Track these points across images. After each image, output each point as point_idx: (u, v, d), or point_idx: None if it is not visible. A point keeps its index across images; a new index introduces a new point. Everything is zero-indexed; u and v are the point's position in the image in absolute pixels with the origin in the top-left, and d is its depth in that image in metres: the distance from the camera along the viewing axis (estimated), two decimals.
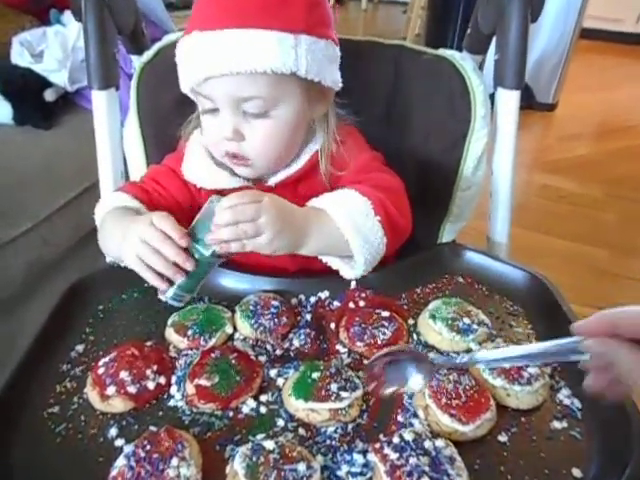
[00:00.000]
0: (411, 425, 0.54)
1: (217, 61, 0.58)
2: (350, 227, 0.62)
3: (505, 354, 0.52)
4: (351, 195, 0.65)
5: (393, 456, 0.48)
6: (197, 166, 0.72)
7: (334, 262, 0.68)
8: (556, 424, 0.54)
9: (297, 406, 0.55)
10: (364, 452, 0.51)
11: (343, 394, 0.54)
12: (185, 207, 0.72)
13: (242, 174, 0.69)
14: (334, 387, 0.55)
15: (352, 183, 0.67)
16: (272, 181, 0.71)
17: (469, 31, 0.88)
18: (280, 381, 0.59)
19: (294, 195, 0.68)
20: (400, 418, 0.55)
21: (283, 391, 0.58)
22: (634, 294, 1.69)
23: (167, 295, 0.60)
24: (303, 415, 0.54)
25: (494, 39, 0.81)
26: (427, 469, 0.46)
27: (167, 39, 0.85)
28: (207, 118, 0.66)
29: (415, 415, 0.55)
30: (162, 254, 0.58)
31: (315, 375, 0.56)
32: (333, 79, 0.65)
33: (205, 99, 0.64)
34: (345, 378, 0.56)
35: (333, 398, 0.54)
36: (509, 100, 0.80)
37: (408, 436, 0.50)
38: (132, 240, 0.59)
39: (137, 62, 0.86)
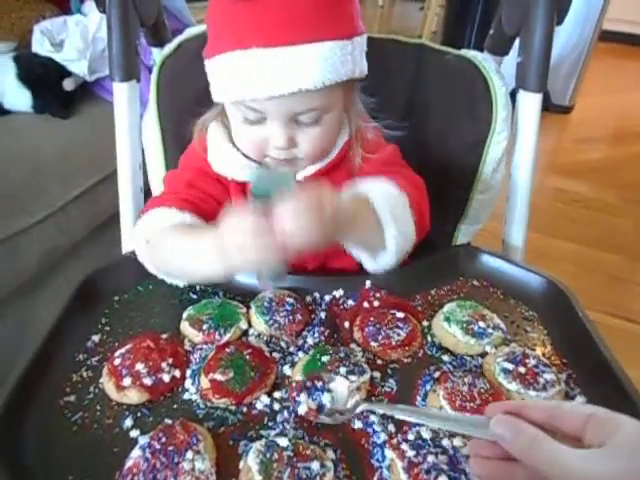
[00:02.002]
0: (422, 425, 0.54)
1: (283, 80, 0.56)
2: (389, 217, 0.63)
3: (424, 411, 0.53)
4: (389, 186, 0.65)
5: (410, 453, 0.49)
6: (226, 159, 0.70)
7: (359, 254, 0.68)
8: None
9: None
10: (381, 447, 0.51)
11: (351, 377, 0.55)
12: (224, 204, 0.71)
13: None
14: (343, 371, 0.56)
15: (377, 174, 0.67)
16: (301, 175, 0.70)
17: (491, 32, 0.87)
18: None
19: None
20: None
21: (293, 374, 0.58)
22: None
23: (275, 278, 0.57)
24: None
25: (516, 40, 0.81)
26: (445, 467, 0.47)
27: (188, 32, 0.85)
28: (248, 128, 0.64)
29: None
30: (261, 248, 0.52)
31: (325, 359, 0.58)
32: (363, 69, 0.65)
33: (251, 111, 0.61)
34: (354, 362, 0.58)
35: None
36: (531, 103, 0.79)
37: (426, 434, 0.50)
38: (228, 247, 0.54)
39: (158, 55, 0.87)
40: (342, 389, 0.54)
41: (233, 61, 0.58)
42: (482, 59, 0.80)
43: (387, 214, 0.63)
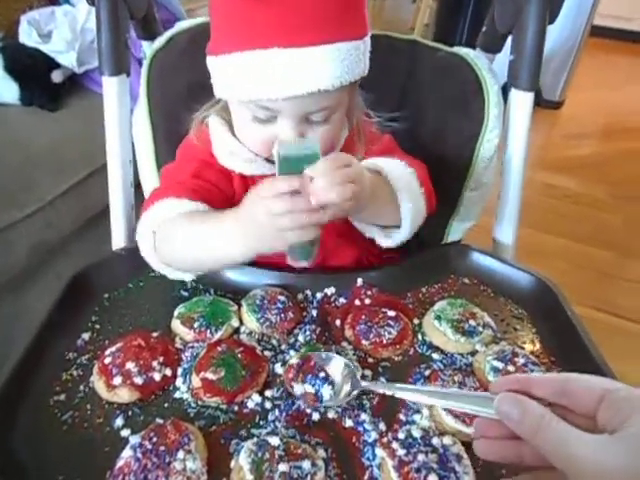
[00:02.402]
0: (413, 422, 0.54)
1: (302, 80, 0.56)
2: (404, 190, 0.64)
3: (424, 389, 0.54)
4: (398, 162, 0.68)
5: (401, 452, 0.49)
6: (230, 153, 0.69)
7: (372, 230, 0.69)
8: None
9: (297, 388, 0.56)
10: (372, 446, 0.52)
11: None
12: (229, 196, 0.71)
13: None
14: None
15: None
16: None
17: (484, 29, 0.87)
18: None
19: None
20: (402, 417, 0.55)
21: (284, 373, 0.58)
22: (637, 297, 1.70)
23: (308, 255, 0.57)
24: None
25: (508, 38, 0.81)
26: (435, 466, 0.47)
27: (179, 26, 0.84)
28: (256, 126, 0.63)
29: (418, 412, 0.56)
30: (297, 213, 0.52)
31: None
32: (367, 67, 0.65)
33: (263, 110, 0.60)
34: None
35: None
36: (523, 101, 0.79)
37: (416, 432, 0.51)
38: (260, 223, 0.53)
39: (148, 48, 0.86)
40: (338, 370, 0.55)
41: (251, 60, 0.56)
42: (474, 57, 0.80)
43: (402, 187, 0.64)
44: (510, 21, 0.78)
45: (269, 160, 0.67)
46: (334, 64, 0.56)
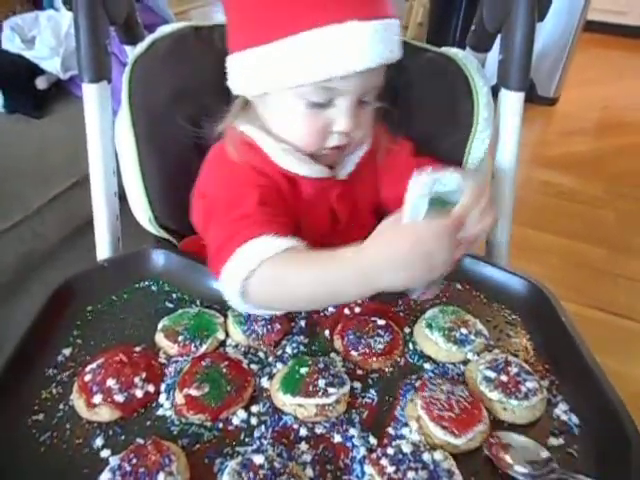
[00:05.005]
0: (402, 437, 0.53)
1: (376, 52, 0.58)
2: None
3: None
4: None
5: (390, 469, 0.47)
6: (290, 157, 0.66)
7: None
8: (553, 440, 0.53)
9: (284, 401, 0.55)
10: (361, 463, 0.50)
11: (330, 390, 0.54)
12: (293, 207, 0.68)
13: (326, 162, 0.69)
14: (322, 383, 0.55)
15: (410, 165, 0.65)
16: (351, 163, 0.72)
17: (473, 28, 0.86)
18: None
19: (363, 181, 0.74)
20: (391, 431, 0.54)
21: (271, 385, 0.57)
22: (632, 294, 1.69)
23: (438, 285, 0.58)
24: (290, 410, 0.54)
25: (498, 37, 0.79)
26: None
27: (161, 31, 0.82)
28: (309, 113, 0.62)
29: (406, 425, 0.54)
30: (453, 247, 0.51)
31: (303, 370, 0.56)
32: None
33: (323, 91, 0.60)
34: (333, 374, 0.56)
35: (320, 394, 0.54)
36: (513, 101, 0.77)
37: (406, 448, 0.49)
38: (416, 260, 0.50)
39: (131, 54, 0.84)
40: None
41: (327, 36, 0.56)
42: (463, 57, 0.79)
43: None
44: (499, 19, 0.76)
45: (312, 156, 0.67)
46: (397, 36, 0.60)
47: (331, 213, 0.73)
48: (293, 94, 0.61)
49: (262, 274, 0.56)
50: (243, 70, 0.64)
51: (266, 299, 0.59)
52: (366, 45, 0.57)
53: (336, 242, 0.55)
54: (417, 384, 0.58)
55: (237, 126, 0.69)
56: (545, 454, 0.50)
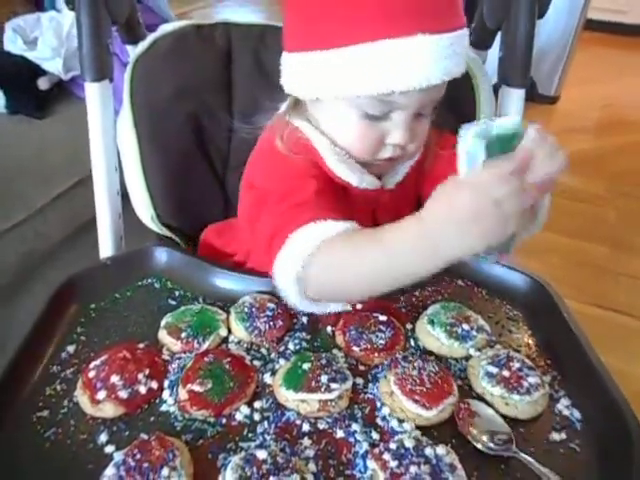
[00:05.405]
0: (405, 432, 0.53)
1: (441, 68, 0.54)
2: None
3: None
4: None
5: (393, 463, 0.48)
6: (337, 161, 0.64)
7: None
8: (555, 435, 0.53)
9: (287, 396, 0.55)
10: (363, 458, 0.50)
11: (333, 385, 0.55)
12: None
13: (377, 171, 0.68)
14: (324, 378, 0.55)
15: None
16: (400, 173, 0.70)
17: (473, 25, 0.86)
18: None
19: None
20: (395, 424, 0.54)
21: (274, 381, 0.57)
22: (633, 292, 1.69)
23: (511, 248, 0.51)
24: (293, 405, 0.55)
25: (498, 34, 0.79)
26: (428, 478, 0.46)
27: (163, 30, 0.83)
28: (366, 124, 0.60)
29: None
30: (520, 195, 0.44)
31: (306, 366, 0.57)
32: None
33: (381, 104, 0.57)
34: (335, 370, 0.57)
35: (323, 389, 0.54)
36: (514, 99, 0.78)
37: (408, 443, 0.49)
38: (480, 215, 0.44)
39: (132, 53, 0.84)
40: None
41: (391, 49, 0.53)
42: None
43: None
44: (499, 16, 0.77)
45: (364, 164, 0.65)
46: (463, 50, 0.56)
47: (373, 219, 0.72)
48: (347, 103, 0.59)
49: (321, 258, 0.53)
50: (298, 72, 0.61)
51: (325, 286, 0.56)
52: (431, 61, 0.53)
53: None
54: (389, 362, 0.59)
55: (291, 121, 0.67)
56: (507, 431, 0.53)
